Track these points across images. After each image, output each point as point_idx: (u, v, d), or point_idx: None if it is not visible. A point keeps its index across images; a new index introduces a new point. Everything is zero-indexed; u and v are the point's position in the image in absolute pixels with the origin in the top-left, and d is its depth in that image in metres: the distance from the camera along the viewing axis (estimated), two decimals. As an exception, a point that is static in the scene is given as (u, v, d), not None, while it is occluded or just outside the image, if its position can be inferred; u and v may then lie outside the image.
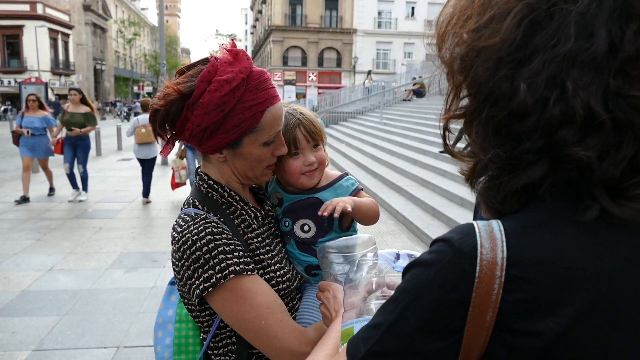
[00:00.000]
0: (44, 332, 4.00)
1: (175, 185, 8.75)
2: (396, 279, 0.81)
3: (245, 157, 1.25)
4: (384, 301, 0.69)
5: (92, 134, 9.45)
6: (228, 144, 1.22)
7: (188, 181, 8.72)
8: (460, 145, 0.80)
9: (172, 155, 8.50)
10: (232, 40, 1.27)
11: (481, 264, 0.60)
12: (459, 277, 0.61)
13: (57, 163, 9.87)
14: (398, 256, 0.87)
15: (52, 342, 3.86)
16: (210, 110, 1.14)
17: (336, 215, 1.31)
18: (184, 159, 8.48)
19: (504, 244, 0.61)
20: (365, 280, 0.85)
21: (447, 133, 0.77)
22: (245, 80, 1.17)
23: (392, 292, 0.68)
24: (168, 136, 1.26)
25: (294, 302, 1.36)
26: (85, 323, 4.18)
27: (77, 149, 8.74)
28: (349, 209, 1.32)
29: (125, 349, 3.78)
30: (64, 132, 8.72)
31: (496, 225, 0.63)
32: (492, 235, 0.62)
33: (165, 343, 1.38)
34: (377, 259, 0.87)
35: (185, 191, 8.53)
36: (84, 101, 8.76)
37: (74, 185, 8.83)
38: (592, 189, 0.60)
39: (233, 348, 1.26)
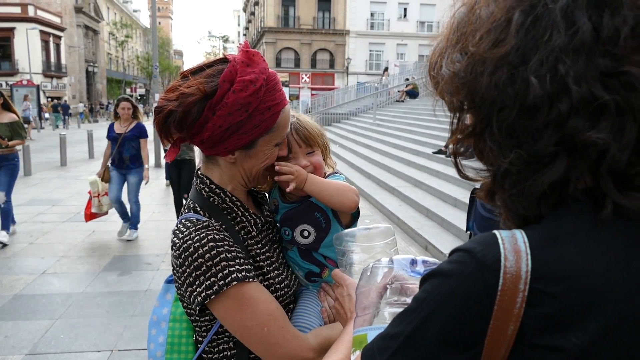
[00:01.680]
0: (37, 336, 3.98)
1: (90, 216, 6.49)
2: (413, 285, 0.80)
3: (257, 157, 1.25)
4: (398, 308, 0.68)
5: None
6: (244, 145, 1.21)
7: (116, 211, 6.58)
8: (470, 163, 0.79)
9: (91, 176, 6.65)
10: (246, 41, 1.26)
11: (504, 277, 0.59)
12: (481, 289, 0.60)
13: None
14: (413, 262, 0.85)
15: (46, 345, 3.84)
16: (234, 110, 1.13)
17: (288, 190, 1.30)
18: (106, 183, 6.52)
19: (529, 257, 0.59)
20: (379, 286, 0.84)
21: (458, 159, 0.76)
22: (266, 81, 1.18)
23: (408, 299, 0.67)
24: (174, 138, 1.23)
25: (291, 307, 1.36)
26: (78, 327, 4.16)
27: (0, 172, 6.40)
28: (291, 187, 1.30)
29: (119, 352, 3.77)
30: None
31: (520, 236, 0.62)
32: (516, 248, 0.60)
33: (159, 341, 1.37)
34: (392, 265, 0.85)
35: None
36: (6, 107, 6.51)
37: (5, 225, 6.40)
38: (601, 182, 0.60)
39: (229, 354, 1.25)
